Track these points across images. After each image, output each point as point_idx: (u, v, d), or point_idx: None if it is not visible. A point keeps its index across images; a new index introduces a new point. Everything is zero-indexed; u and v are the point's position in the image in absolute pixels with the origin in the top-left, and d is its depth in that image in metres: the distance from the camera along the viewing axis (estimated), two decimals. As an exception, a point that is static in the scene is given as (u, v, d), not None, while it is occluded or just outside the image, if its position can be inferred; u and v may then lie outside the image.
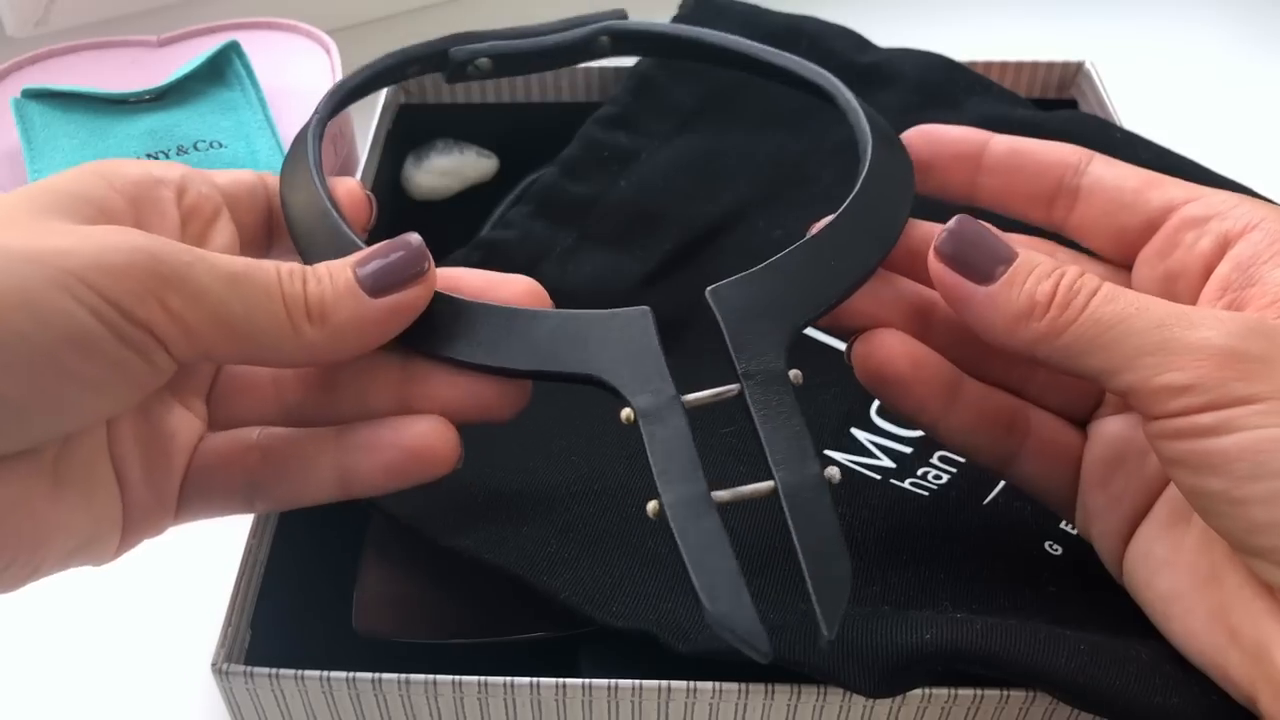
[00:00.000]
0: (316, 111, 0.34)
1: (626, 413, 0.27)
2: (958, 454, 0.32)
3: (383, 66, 0.37)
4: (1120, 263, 0.31)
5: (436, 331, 0.28)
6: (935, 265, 0.28)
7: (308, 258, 0.30)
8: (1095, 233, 0.31)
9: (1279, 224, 0.28)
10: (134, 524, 0.27)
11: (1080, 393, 0.31)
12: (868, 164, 0.32)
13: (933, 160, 0.33)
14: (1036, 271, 0.27)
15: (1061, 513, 0.31)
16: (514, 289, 0.30)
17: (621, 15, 0.41)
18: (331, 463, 0.28)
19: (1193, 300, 0.29)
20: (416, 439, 0.28)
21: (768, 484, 0.26)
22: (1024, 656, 0.26)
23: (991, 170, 0.32)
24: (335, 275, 0.27)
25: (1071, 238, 0.32)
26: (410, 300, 0.27)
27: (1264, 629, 0.25)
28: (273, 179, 0.32)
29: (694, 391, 0.27)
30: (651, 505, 0.26)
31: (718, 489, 0.26)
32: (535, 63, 0.40)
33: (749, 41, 0.39)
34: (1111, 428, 0.30)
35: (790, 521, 0.25)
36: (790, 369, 0.27)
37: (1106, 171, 0.31)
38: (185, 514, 0.28)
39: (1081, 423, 0.31)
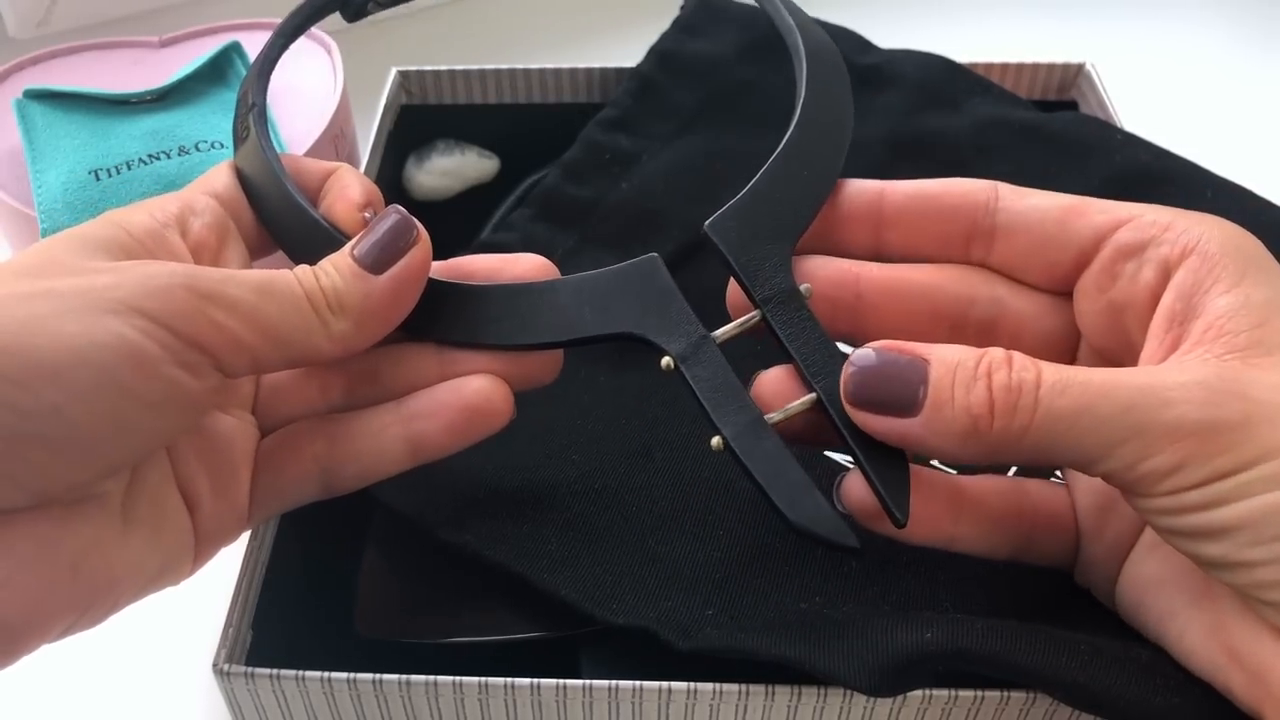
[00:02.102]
0: (250, 95, 0.34)
1: (666, 361, 0.28)
2: (980, 556, 0.30)
3: (291, 25, 0.37)
4: (1056, 292, 0.30)
5: (461, 320, 0.30)
6: (855, 414, 0.26)
7: (292, 252, 0.31)
8: (1024, 269, 0.30)
9: (1216, 244, 0.26)
10: (208, 538, 0.28)
11: None
12: (805, 75, 0.32)
13: (832, 223, 0.31)
14: (960, 377, 0.25)
15: (1068, 570, 0.30)
16: (524, 266, 0.31)
17: None
18: (398, 433, 0.29)
19: (1142, 333, 0.27)
20: (475, 395, 0.29)
21: (809, 397, 0.27)
22: (1025, 657, 0.26)
23: (894, 222, 0.30)
24: (339, 264, 0.28)
25: (999, 272, 0.30)
26: (413, 266, 0.28)
27: (1265, 650, 0.25)
28: None
29: (719, 327, 0.28)
30: (715, 440, 0.27)
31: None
32: None
33: None
34: (1085, 479, 0.30)
35: (840, 427, 0.27)
36: (801, 284, 0.29)
37: (1020, 204, 0.29)
38: (259, 514, 0.30)
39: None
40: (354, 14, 0.40)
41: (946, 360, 0.25)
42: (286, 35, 0.37)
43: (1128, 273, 0.28)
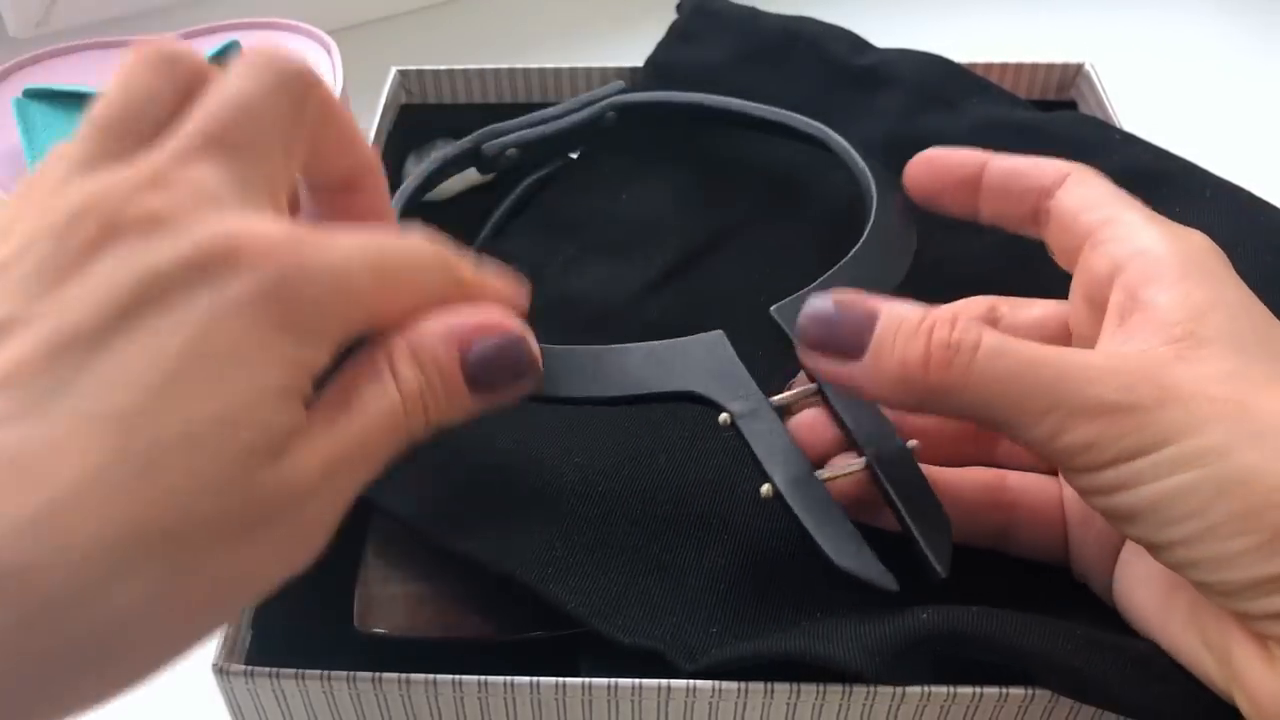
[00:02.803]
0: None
1: (724, 416, 0.30)
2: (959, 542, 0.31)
3: (424, 176, 0.40)
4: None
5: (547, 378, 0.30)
6: (805, 356, 0.28)
7: None
8: (1057, 253, 0.32)
9: (1167, 249, 0.28)
10: None
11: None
12: (877, 197, 0.36)
13: (939, 188, 0.34)
14: (903, 330, 0.26)
15: (1063, 563, 0.31)
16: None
17: (622, 89, 0.46)
18: None
19: (1099, 325, 0.29)
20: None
21: (860, 459, 0.30)
22: (1020, 639, 0.27)
23: (988, 192, 0.33)
24: (445, 368, 0.25)
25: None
26: (512, 399, 0.27)
27: (1225, 634, 0.25)
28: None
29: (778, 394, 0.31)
30: (765, 488, 0.29)
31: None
32: (555, 147, 0.45)
33: (745, 102, 0.43)
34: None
35: (888, 487, 0.29)
36: None
37: (1070, 192, 0.31)
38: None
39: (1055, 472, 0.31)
40: (485, 168, 0.44)
41: (893, 314, 0.27)
42: (423, 179, 0.41)
43: (1090, 265, 0.29)
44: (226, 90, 0.25)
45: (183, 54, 0.25)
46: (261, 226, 0.23)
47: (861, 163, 0.38)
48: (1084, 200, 0.31)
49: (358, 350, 0.25)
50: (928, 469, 0.30)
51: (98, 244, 0.22)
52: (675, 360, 0.31)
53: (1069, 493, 0.31)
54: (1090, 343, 0.29)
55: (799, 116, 0.41)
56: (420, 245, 0.26)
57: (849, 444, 0.30)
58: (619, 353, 0.31)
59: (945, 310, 0.27)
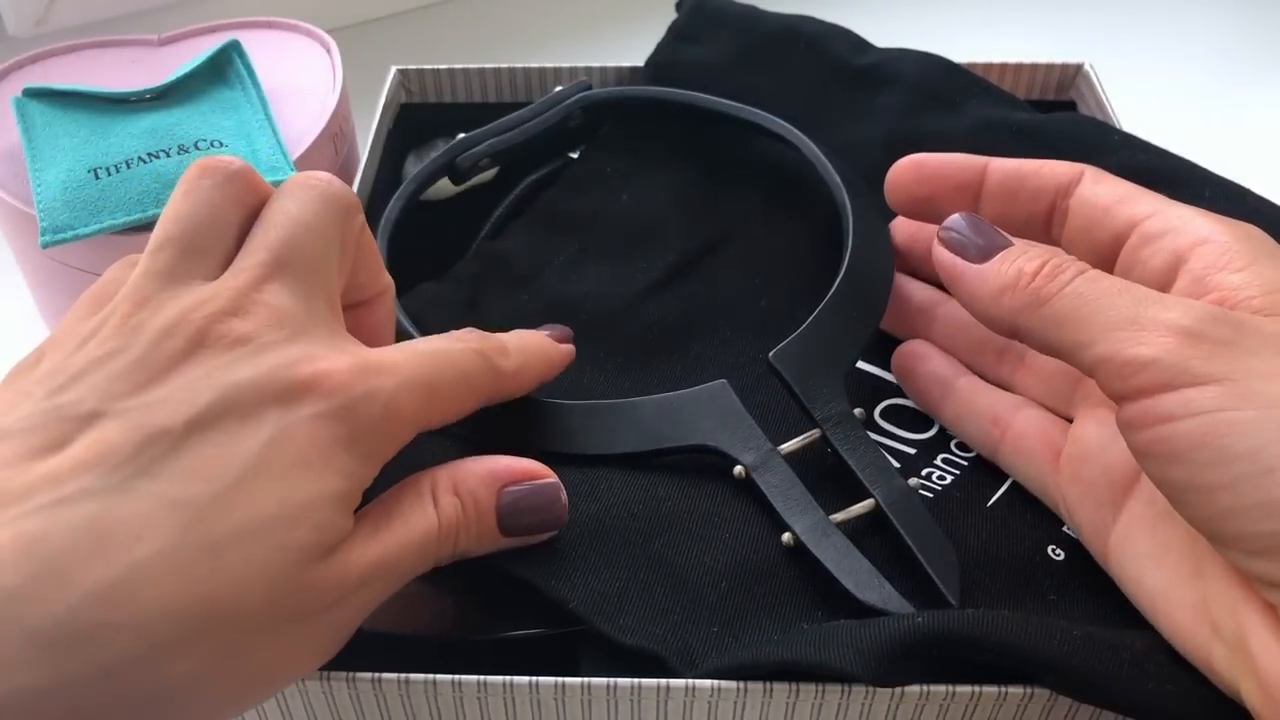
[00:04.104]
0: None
1: (739, 470, 0.32)
2: (957, 439, 0.35)
3: (407, 194, 0.41)
4: None
5: (560, 434, 0.33)
6: (938, 249, 0.31)
7: None
8: (1078, 249, 0.32)
9: (1229, 236, 0.28)
10: None
11: (1063, 384, 0.33)
12: (851, 219, 0.37)
13: (931, 193, 0.35)
14: (1029, 252, 0.29)
15: (1052, 506, 0.32)
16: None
17: (586, 86, 0.46)
18: None
19: None
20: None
21: (868, 501, 0.31)
22: (1016, 639, 0.27)
23: (991, 195, 0.34)
24: (481, 505, 0.29)
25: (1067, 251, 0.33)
26: (536, 538, 0.30)
27: (1242, 619, 0.25)
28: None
29: (785, 442, 0.32)
30: (786, 536, 0.31)
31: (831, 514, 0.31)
32: (526, 151, 0.45)
33: (713, 98, 0.44)
34: (1082, 422, 0.31)
35: (898, 526, 0.31)
36: (854, 408, 0.33)
37: (1091, 189, 0.32)
38: None
39: (1069, 418, 0.32)
40: (459, 178, 0.44)
41: (1029, 244, 0.30)
42: (405, 199, 0.41)
43: (1143, 259, 0.30)
44: (286, 213, 0.28)
45: (244, 173, 0.28)
46: (332, 355, 0.26)
47: (834, 172, 0.39)
48: (1113, 195, 0.31)
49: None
50: (953, 363, 0.34)
51: (186, 355, 0.25)
52: (685, 411, 0.33)
53: (1066, 449, 0.31)
54: None
55: (770, 117, 0.42)
56: (463, 355, 0.29)
57: (855, 486, 0.32)
58: (631, 407, 0.33)
59: (1063, 254, 0.29)
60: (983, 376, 0.35)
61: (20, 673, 0.21)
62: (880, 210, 0.37)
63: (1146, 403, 0.25)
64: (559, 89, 0.46)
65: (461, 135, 0.44)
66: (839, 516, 0.31)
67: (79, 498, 0.22)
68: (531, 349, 0.32)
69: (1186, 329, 0.25)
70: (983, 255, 0.30)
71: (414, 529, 0.27)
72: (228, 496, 0.24)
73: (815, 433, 0.32)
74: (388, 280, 0.32)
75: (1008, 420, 0.33)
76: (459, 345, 0.29)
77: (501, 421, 0.32)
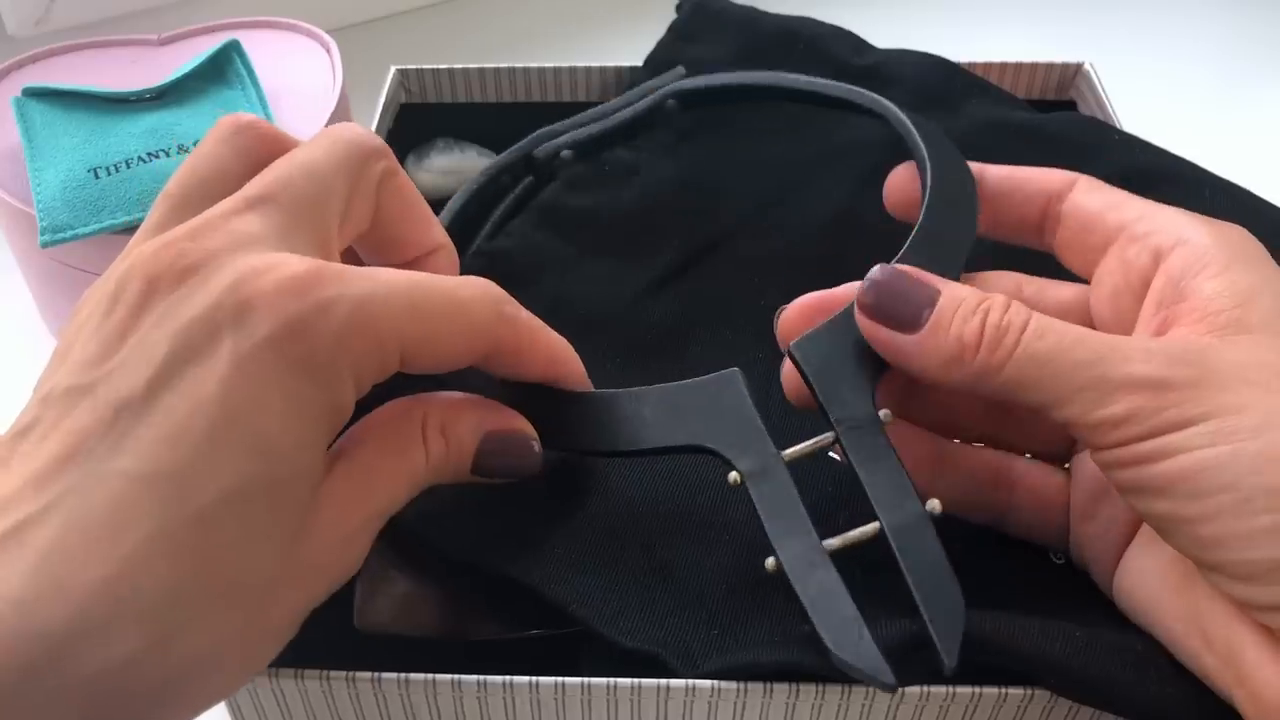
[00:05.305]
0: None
1: (733, 476, 0.28)
2: (958, 514, 0.31)
3: (477, 185, 0.40)
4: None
5: (557, 428, 0.30)
6: (862, 320, 0.28)
7: None
8: (1069, 254, 0.32)
9: (1209, 237, 0.28)
10: None
11: (1056, 432, 0.31)
12: (928, 195, 0.33)
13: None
14: (961, 310, 0.27)
15: (1057, 546, 0.32)
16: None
17: (680, 75, 0.44)
18: None
19: (1134, 315, 0.29)
20: None
21: (873, 525, 0.27)
22: (1017, 640, 0.27)
23: (986, 200, 0.33)
24: (464, 448, 0.28)
25: (1058, 260, 0.33)
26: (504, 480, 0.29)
27: (1232, 632, 0.25)
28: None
29: (795, 445, 0.29)
30: (770, 561, 0.27)
31: (827, 537, 0.27)
32: (613, 141, 0.43)
33: (808, 78, 0.40)
34: (1090, 463, 0.30)
35: (900, 559, 0.26)
36: (880, 410, 0.28)
37: (1084, 196, 0.31)
38: None
39: (1064, 461, 0.32)
40: (540, 175, 0.42)
41: (955, 294, 0.28)
42: (479, 193, 0.40)
43: (1129, 258, 0.29)
44: (290, 156, 0.26)
45: (253, 125, 0.27)
46: (281, 262, 0.24)
47: (921, 144, 0.35)
48: (1106, 201, 0.31)
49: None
50: (935, 437, 0.30)
51: (143, 303, 0.24)
52: (689, 405, 0.30)
53: (1076, 490, 0.31)
54: (1116, 332, 0.30)
55: (862, 91, 0.38)
56: (468, 284, 0.27)
57: (864, 505, 0.28)
58: (632, 398, 0.30)
59: (999, 296, 0.27)
60: (970, 436, 0.32)
61: (36, 677, 0.21)
62: (966, 195, 0.34)
63: (1120, 451, 0.25)
64: (650, 82, 0.44)
65: (542, 130, 0.42)
66: (834, 542, 0.27)
67: (63, 498, 0.22)
68: (547, 330, 0.30)
69: (1151, 380, 0.25)
70: (913, 319, 0.27)
71: (406, 468, 0.27)
72: (202, 458, 0.22)
73: (829, 436, 0.28)
74: (441, 239, 0.30)
75: (1010, 482, 0.31)
76: (463, 279, 0.27)
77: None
